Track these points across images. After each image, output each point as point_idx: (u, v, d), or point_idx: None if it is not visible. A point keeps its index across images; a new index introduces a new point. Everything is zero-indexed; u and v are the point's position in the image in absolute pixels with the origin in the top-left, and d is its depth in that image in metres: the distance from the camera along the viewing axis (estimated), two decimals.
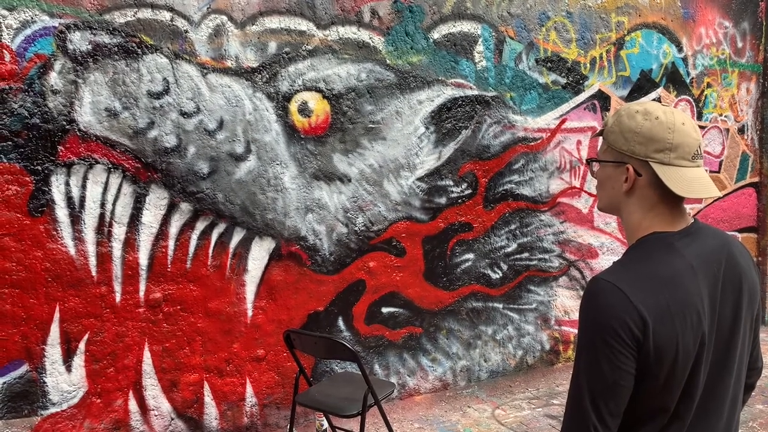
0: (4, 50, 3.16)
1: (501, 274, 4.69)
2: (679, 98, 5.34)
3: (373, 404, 3.20)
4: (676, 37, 5.28)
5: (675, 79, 5.32)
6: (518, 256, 4.75)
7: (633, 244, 1.41)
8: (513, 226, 4.70)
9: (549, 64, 4.70)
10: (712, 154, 5.66)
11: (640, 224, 1.41)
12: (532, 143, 4.69)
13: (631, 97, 5.06)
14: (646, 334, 1.24)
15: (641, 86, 5.12)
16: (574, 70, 4.81)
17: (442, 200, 4.37)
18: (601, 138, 1.48)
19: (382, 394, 3.30)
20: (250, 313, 3.84)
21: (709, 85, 5.53)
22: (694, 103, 5.45)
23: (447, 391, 4.56)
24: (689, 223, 1.40)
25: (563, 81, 4.77)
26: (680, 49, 5.32)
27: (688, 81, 5.40)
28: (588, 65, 4.87)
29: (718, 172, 5.73)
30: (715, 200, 5.71)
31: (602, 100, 4.94)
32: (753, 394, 3.89)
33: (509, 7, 4.50)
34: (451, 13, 4.29)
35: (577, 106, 4.84)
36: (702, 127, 5.53)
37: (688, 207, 5.56)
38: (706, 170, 5.44)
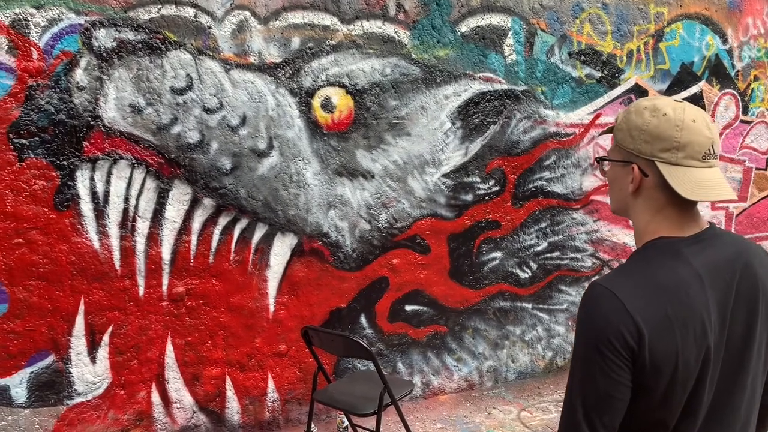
0: (32, 48, 3.23)
1: (530, 274, 4.58)
2: (723, 92, 5.11)
3: (390, 403, 3.16)
4: (720, 28, 5.05)
5: (718, 72, 5.08)
6: (549, 255, 4.63)
7: (638, 249, 1.34)
8: (543, 225, 4.58)
9: (583, 58, 4.55)
10: (758, 151, 5.40)
11: (646, 227, 1.32)
12: (564, 139, 4.56)
13: (670, 91, 4.86)
14: (641, 344, 1.17)
15: (681, 80, 4.92)
16: (610, 64, 4.65)
17: (469, 197, 4.29)
18: None
19: (400, 394, 3.26)
20: (272, 308, 3.85)
21: (756, 78, 5.28)
22: (739, 97, 5.21)
23: (473, 391, 4.48)
24: (703, 228, 1.30)
25: (598, 75, 4.61)
26: (725, 41, 5.08)
27: (732, 74, 5.16)
28: (624, 58, 4.70)
29: (765, 169, 5.46)
30: (761, 199, 5.46)
31: (639, 94, 4.76)
32: None
33: None
34: (480, 6, 4.20)
35: (613, 100, 4.68)
36: (747, 122, 5.28)
37: (731, 206, 5.34)
38: (749, 164, 5.21)
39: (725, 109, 5.15)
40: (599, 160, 1.45)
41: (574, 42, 4.51)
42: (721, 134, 5.16)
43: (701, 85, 5.01)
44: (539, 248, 4.59)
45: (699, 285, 1.23)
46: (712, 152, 1.26)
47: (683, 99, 4.84)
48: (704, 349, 1.21)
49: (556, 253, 4.65)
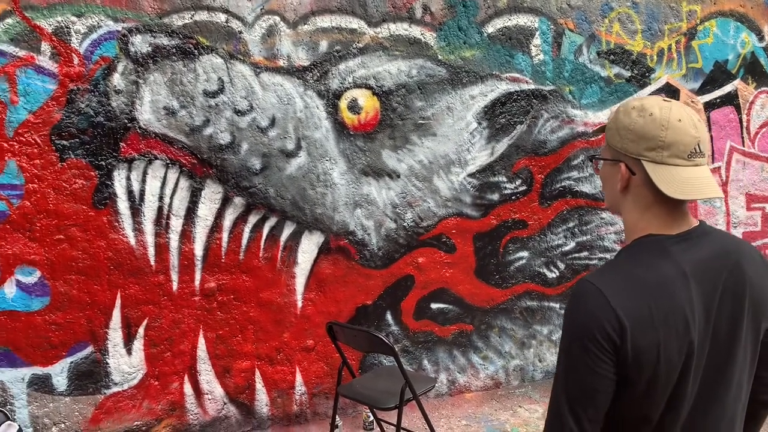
0: (73, 54, 3.40)
1: (558, 273, 4.58)
2: (759, 90, 5.01)
3: (411, 398, 3.23)
4: (756, 25, 4.95)
5: (755, 70, 4.99)
6: (577, 255, 4.62)
7: (626, 245, 1.37)
8: (571, 224, 4.58)
9: (612, 57, 4.53)
10: None
11: (636, 225, 1.36)
12: (593, 138, 4.54)
13: (703, 90, 4.80)
14: (623, 338, 1.21)
15: (715, 78, 4.85)
16: (640, 63, 4.61)
17: (495, 197, 4.32)
18: None
19: (421, 389, 3.32)
20: (300, 304, 3.96)
21: None
22: None
23: (499, 389, 4.51)
24: (692, 226, 1.33)
25: (627, 74, 4.59)
26: (761, 38, 4.98)
27: None
28: (655, 57, 4.66)
29: None
30: None
31: (670, 93, 4.71)
32: None
33: None
34: (507, 7, 4.23)
35: None
36: None
37: (767, 206, 5.22)
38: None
39: (761, 108, 5.05)
40: (592, 159, 1.50)
41: (603, 41, 4.50)
42: (757, 133, 5.06)
43: (736, 84, 4.92)
44: (567, 248, 4.59)
45: (683, 282, 1.26)
46: (698, 151, 1.29)
47: (717, 98, 4.80)
48: (687, 343, 1.23)
49: (584, 253, 4.64)
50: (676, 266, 1.27)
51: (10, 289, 3.41)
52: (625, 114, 1.34)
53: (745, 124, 5.00)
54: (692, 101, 4.78)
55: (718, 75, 4.86)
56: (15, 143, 3.34)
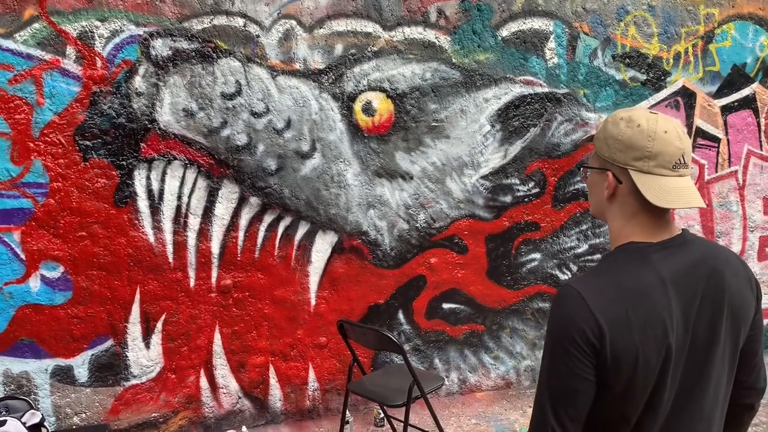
0: (96, 57, 3.52)
1: (570, 275, 4.60)
2: None
3: (420, 396, 3.29)
4: None
5: None
6: (590, 257, 4.64)
7: (609, 252, 1.42)
8: (584, 227, 4.60)
9: (627, 60, 4.54)
10: None
11: (620, 232, 1.41)
12: None
13: (720, 93, 4.78)
14: (602, 341, 1.26)
15: (732, 81, 4.82)
16: (655, 66, 4.61)
17: (507, 199, 4.36)
18: None
19: (429, 387, 3.38)
20: (313, 302, 4.05)
21: None
22: None
23: (510, 389, 4.55)
24: (673, 235, 1.38)
25: (643, 77, 4.59)
26: None
27: None
28: (671, 60, 4.65)
29: None
30: None
31: (687, 97, 4.70)
32: None
33: (584, 2, 4.39)
34: (522, 11, 4.26)
35: (658, 103, 4.64)
36: None
37: None
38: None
39: None
40: (579, 167, 1.55)
41: (618, 45, 4.51)
42: None
43: (754, 87, 4.89)
44: (580, 250, 4.61)
45: (662, 289, 1.30)
46: (682, 162, 1.33)
47: (734, 101, 4.78)
48: (665, 348, 1.28)
49: (597, 256, 4.65)
50: (656, 273, 1.32)
51: (35, 283, 3.55)
52: (614, 124, 1.39)
53: (763, 127, 4.96)
54: (708, 105, 4.77)
55: (736, 78, 4.84)
56: (40, 143, 3.48)
